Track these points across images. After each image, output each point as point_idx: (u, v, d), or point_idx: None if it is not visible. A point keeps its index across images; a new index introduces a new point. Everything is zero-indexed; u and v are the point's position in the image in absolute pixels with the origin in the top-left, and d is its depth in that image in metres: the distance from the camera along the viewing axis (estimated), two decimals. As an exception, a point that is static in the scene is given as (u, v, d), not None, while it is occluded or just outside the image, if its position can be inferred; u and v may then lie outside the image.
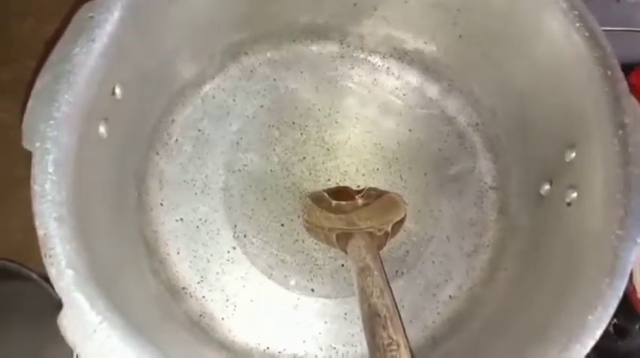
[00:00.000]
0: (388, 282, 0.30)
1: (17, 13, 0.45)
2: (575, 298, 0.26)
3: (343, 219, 0.35)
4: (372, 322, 0.27)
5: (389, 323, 0.26)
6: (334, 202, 0.36)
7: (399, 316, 0.27)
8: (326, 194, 0.37)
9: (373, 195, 0.37)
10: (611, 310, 0.24)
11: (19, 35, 0.45)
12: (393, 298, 0.29)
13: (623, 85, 0.28)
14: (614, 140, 0.27)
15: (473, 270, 0.37)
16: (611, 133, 0.27)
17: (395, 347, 0.25)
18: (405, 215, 0.36)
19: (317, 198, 0.37)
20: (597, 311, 0.24)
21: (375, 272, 0.30)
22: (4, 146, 0.42)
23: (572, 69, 0.30)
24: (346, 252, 0.34)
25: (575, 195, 0.29)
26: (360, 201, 0.36)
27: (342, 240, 0.34)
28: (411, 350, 0.26)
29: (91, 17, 0.25)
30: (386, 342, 0.25)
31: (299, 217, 0.37)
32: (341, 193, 0.37)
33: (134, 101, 0.30)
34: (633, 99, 0.28)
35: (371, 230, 0.34)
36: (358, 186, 0.38)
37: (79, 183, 0.25)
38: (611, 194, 0.27)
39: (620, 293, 0.24)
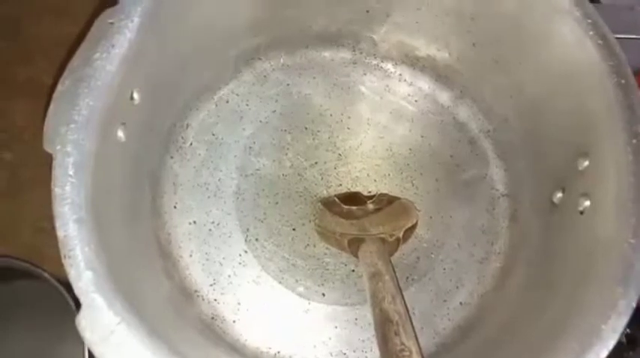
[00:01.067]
0: (400, 288, 0.30)
1: (34, 13, 0.46)
2: (588, 307, 0.26)
3: (355, 225, 0.35)
4: (384, 328, 0.27)
5: (401, 330, 0.27)
6: (345, 207, 0.36)
7: (411, 322, 0.28)
8: (337, 199, 0.37)
9: (384, 201, 0.37)
10: (625, 320, 0.24)
11: (34, 36, 0.45)
12: (405, 304, 0.29)
13: (637, 93, 0.28)
14: (628, 148, 0.27)
15: (484, 277, 0.37)
16: (624, 142, 0.27)
17: (407, 353, 0.25)
18: (417, 221, 0.36)
19: (328, 203, 0.37)
20: (611, 320, 0.24)
21: (387, 278, 0.31)
22: (17, 147, 0.43)
23: (585, 77, 0.31)
24: (357, 257, 0.34)
25: (588, 203, 0.29)
26: (371, 207, 0.36)
27: (354, 245, 0.34)
28: (422, 356, 0.26)
29: (111, 23, 0.25)
30: (398, 348, 0.26)
31: (310, 222, 0.37)
32: (352, 198, 0.37)
33: (151, 106, 0.31)
34: (647, 108, 0.28)
35: (382, 236, 0.34)
36: (369, 192, 0.38)
37: (97, 186, 0.25)
38: (624, 203, 0.26)
39: (634, 303, 0.24)
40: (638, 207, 0.26)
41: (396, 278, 0.31)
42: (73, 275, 0.22)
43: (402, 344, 0.26)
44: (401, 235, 0.35)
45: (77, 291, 0.22)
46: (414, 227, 0.36)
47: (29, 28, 0.46)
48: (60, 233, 0.22)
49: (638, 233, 0.25)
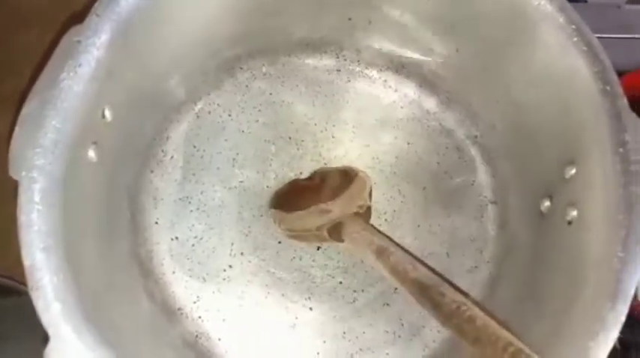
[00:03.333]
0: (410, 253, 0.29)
1: (20, 24, 0.45)
2: (576, 321, 0.25)
3: (323, 213, 0.34)
4: (428, 294, 0.26)
5: (443, 289, 0.26)
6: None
7: (444, 277, 0.27)
8: (281, 195, 0.36)
9: (325, 173, 0.37)
10: (614, 336, 0.24)
11: (22, 46, 0.44)
12: (425, 263, 0.28)
13: (623, 100, 0.28)
14: (615, 158, 0.27)
15: (473, 287, 0.36)
16: (611, 151, 0.27)
17: (465, 307, 0.25)
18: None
19: (279, 204, 0.36)
20: (599, 337, 0.24)
21: (392, 249, 0.30)
22: (3, 158, 0.42)
23: (570, 83, 0.30)
24: (341, 242, 0.33)
25: (575, 213, 0.29)
26: (316, 185, 0.36)
27: (335, 232, 0.34)
28: (478, 303, 0.25)
29: (79, 42, 0.24)
30: (454, 306, 0.25)
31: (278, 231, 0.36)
32: (294, 189, 0.37)
33: (126, 122, 0.30)
34: (634, 115, 0.28)
35: (356, 210, 0.34)
36: (301, 173, 0.38)
37: (67, 209, 0.24)
38: (613, 214, 0.26)
39: (623, 318, 0.24)
40: (627, 219, 0.25)
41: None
42: (40, 308, 0.21)
43: (454, 301, 0.25)
44: (370, 202, 0.35)
45: (45, 324, 0.21)
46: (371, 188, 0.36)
47: (16, 38, 0.45)
48: (26, 262, 0.21)
49: (627, 246, 0.25)
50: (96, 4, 0.25)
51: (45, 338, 0.36)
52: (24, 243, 0.22)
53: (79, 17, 0.26)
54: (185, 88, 0.37)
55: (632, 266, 0.24)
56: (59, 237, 0.23)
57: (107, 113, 0.28)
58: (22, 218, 0.22)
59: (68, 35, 0.25)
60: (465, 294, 0.26)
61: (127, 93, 0.29)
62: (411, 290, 0.27)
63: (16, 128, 0.23)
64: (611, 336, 0.24)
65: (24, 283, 0.37)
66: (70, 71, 0.24)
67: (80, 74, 0.24)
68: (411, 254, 0.29)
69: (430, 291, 0.26)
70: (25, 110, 0.23)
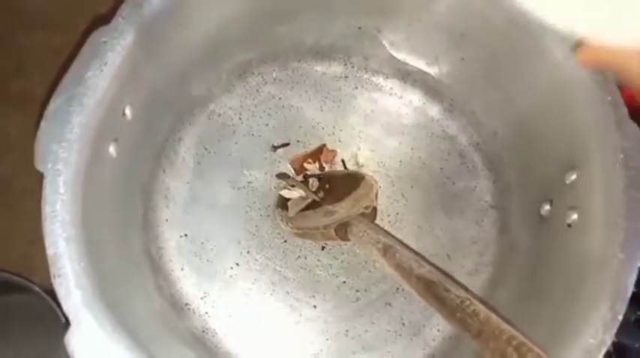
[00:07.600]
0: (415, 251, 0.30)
1: (26, 25, 0.46)
2: (577, 320, 0.26)
3: (329, 213, 0.35)
4: (432, 290, 0.27)
5: (448, 285, 0.27)
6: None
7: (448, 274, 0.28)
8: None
9: (332, 176, 0.38)
10: (613, 333, 0.25)
11: (28, 47, 0.45)
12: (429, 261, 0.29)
13: (624, 109, 0.29)
14: (615, 164, 0.28)
15: (473, 289, 0.37)
16: (611, 157, 0.28)
17: (468, 302, 0.25)
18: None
19: (286, 204, 0.37)
20: (599, 334, 0.25)
21: (398, 247, 0.31)
22: (9, 157, 0.43)
23: (573, 92, 0.31)
24: (347, 240, 0.35)
25: (575, 216, 0.30)
26: (323, 187, 0.37)
27: (341, 231, 0.35)
28: (480, 299, 0.26)
29: (105, 42, 0.25)
30: (458, 301, 0.26)
31: (286, 228, 0.37)
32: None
33: (143, 121, 0.31)
34: (633, 124, 0.29)
35: (362, 211, 0.35)
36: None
37: (88, 202, 0.25)
38: (612, 217, 0.27)
39: (621, 317, 0.25)
40: (626, 221, 0.26)
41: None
42: (62, 294, 0.22)
43: (458, 296, 0.26)
44: (376, 203, 0.36)
45: (66, 310, 0.22)
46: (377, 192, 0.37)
47: (22, 40, 0.46)
48: (49, 251, 0.22)
49: (626, 248, 0.26)
50: (121, 8, 0.27)
51: (50, 333, 0.37)
52: (48, 233, 0.23)
53: (101, 20, 0.27)
54: (199, 90, 0.38)
55: (631, 267, 0.25)
56: (80, 228, 0.24)
57: (127, 111, 0.29)
58: (47, 208, 0.23)
59: (94, 36, 0.26)
60: (468, 291, 0.27)
61: (146, 93, 0.30)
62: (416, 286, 0.28)
63: (43, 122, 0.24)
64: (610, 334, 0.25)
65: (31, 280, 0.38)
66: (96, 69, 0.25)
67: (105, 72, 0.25)
68: (415, 252, 0.30)
69: (435, 287, 0.27)
70: (52, 105, 0.24)
